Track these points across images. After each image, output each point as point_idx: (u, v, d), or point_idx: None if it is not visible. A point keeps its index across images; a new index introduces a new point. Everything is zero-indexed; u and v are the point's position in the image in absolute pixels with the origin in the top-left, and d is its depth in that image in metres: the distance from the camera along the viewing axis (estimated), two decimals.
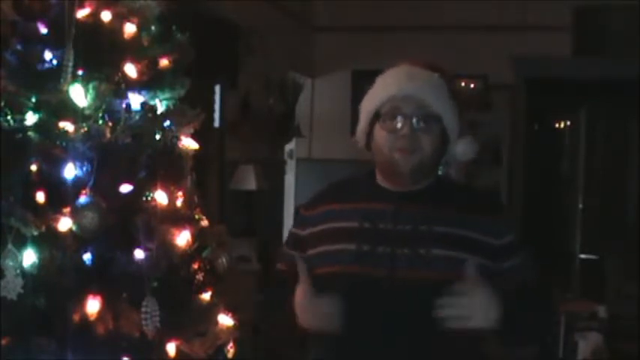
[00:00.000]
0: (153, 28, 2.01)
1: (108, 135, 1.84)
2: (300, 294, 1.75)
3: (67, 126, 1.82)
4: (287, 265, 1.97)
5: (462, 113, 1.88)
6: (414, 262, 1.74)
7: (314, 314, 1.74)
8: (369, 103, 1.85)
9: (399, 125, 1.77)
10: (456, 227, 1.78)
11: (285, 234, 5.90)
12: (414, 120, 1.77)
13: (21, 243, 1.76)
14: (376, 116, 1.82)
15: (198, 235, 2.02)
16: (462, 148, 1.88)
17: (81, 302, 1.78)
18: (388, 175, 1.83)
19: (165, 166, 1.94)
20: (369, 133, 1.84)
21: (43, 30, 1.87)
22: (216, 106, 5.15)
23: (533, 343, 1.97)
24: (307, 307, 1.74)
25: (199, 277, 2.02)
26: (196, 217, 2.05)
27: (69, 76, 1.82)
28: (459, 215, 1.80)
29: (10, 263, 1.74)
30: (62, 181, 1.82)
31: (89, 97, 1.84)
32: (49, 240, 1.78)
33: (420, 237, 1.76)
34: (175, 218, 1.94)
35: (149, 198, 1.90)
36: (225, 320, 2.06)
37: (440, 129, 1.81)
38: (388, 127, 1.79)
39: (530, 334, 1.87)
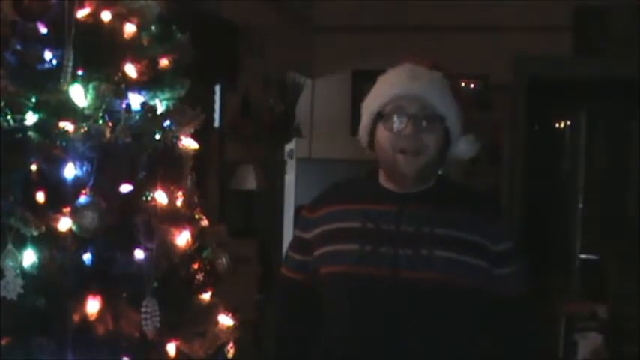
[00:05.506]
0: (153, 28, 2.00)
1: (108, 135, 1.84)
2: None
3: (67, 126, 1.82)
4: (291, 269, 1.96)
5: (464, 112, 1.85)
6: (415, 262, 1.74)
7: None
8: (372, 102, 1.83)
9: (402, 125, 1.76)
10: (457, 229, 1.77)
11: (285, 234, 5.92)
12: (418, 120, 1.75)
13: (21, 243, 1.76)
14: (379, 115, 1.81)
15: (198, 235, 2.02)
16: (464, 147, 1.85)
17: (81, 302, 1.78)
18: (391, 176, 1.82)
19: (165, 166, 1.94)
20: (372, 133, 1.83)
21: (43, 30, 1.87)
22: (216, 106, 5.14)
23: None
24: None
25: (199, 277, 2.02)
26: (196, 217, 2.05)
27: (69, 76, 1.82)
28: (460, 217, 1.79)
29: (10, 263, 1.73)
30: (62, 181, 1.81)
31: (89, 97, 1.83)
32: (49, 240, 1.78)
33: (423, 238, 1.76)
34: (175, 218, 1.94)
35: (149, 198, 1.90)
36: (225, 320, 2.06)
37: (443, 129, 1.79)
38: (391, 126, 1.77)
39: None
